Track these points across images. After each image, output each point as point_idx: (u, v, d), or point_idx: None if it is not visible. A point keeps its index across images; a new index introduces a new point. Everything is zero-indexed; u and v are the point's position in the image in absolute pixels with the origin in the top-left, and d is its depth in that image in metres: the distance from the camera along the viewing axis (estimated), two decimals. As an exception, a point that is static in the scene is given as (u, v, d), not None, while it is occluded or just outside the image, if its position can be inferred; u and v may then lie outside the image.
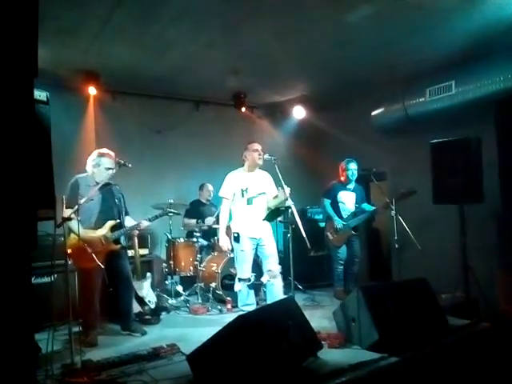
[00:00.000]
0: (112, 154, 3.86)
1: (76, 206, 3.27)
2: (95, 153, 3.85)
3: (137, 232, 4.25)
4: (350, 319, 3.35)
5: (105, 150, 3.86)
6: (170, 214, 4.58)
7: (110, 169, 3.78)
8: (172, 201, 4.89)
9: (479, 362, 3.38)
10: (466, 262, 4.20)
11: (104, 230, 3.72)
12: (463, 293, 4.20)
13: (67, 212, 3.26)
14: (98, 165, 3.78)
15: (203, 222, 5.50)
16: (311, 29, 4.01)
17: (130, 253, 4.44)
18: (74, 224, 3.41)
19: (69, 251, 3.29)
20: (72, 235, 3.54)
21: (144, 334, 3.85)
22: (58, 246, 3.48)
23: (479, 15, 3.80)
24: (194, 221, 5.52)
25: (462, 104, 4.68)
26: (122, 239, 3.91)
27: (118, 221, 3.82)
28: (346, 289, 5.12)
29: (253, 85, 5.71)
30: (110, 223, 3.76)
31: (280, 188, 4.11)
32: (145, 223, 4.00)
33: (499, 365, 3.45)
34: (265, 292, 4.92)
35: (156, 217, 4.14)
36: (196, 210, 5.71)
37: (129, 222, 4.01)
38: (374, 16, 3.76)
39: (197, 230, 5.31)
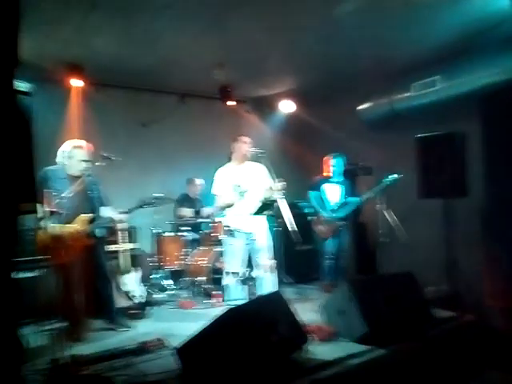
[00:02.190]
0: (87, 145, 3.73)
1: (56, 201, 3.26)
2: (67, 144, 3.72)
3: (119, 226, 4.12)
4: (338, 312, 3.37)
5: (79, 142, 3.74)
6: (145, 207, 4.45)
7: (84, 161, 3.65)
8: (160, 194, 4.82)
9: (464, 354, 3.44)
10: (451, 256, 4.25)
11: (76, 225, 3.60)
12: (448, 286, 4.26)
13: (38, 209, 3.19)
14: (70, 157, 3.66)
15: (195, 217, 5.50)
16: (298, 22, 3.99)
17: (115, 247, 4.37)
18: (44, 220, 3.33)
19: (39, 246, 3.22)
20: (41, 231, 3.43)
21: (128, 327, 3.79)
22: (40, 240, 3.44)
23: (465, 10, 3.82)
24: (190, 210, 5.48)
25: (446, 99, 4.72)
26: (98, 231, 3.78)
27: (91, 215, 3.68)
28: (333, 282, 5.15)
29: (240, 78, 5.67)
30: (82, 217, 3.64)
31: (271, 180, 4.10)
32: (118, 215, 3.91)
33: (483, 356, 3.52)
34: (253, 286, 4.92)
35: (130, 210, 4.07)
36: (184, 202, 5.68)
37: (107, 212, 3.87)
38: (361, 10, 3.74)
39: (185, 223, 5.28)
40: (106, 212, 3.86)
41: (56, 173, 3.61)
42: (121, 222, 4.06)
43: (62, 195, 3.48)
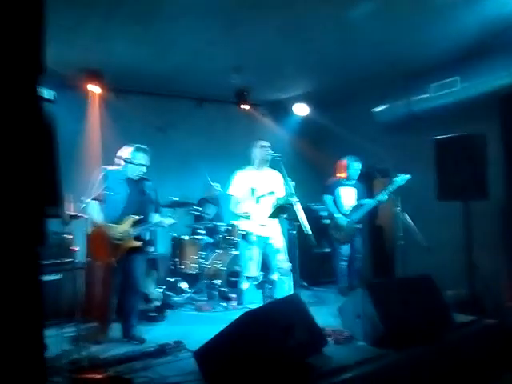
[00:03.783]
0: (147, 149, 3.77)
1: (92, 196, 3.37)
2: (130, 147, 3.75)
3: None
4: (355, 316, 3.35)
5: (139, 146, 3.77)
6: (197, 213, 4.73)
7: (143, 165, 3.71)
8: (175, 199, 4.88)
9: (484, 359, 3.38)
10: (471, 259, 4.19)
11: (126, 226, 3.61)
12: (468, 289, 4.20)
13: (94, 205, 3.42)
14: (132, 159, 3.70)
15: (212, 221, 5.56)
16: (313, 26, 4.00)
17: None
18: (96, 216, 3.46)
19: (88, 243, 3.32)
20: (93, 227, 3.52)
21: (142, 342, 3.58)
22: (65, 244, 3.52)
23: (483, 10, 3.78)
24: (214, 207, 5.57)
25: (466, 100, 4.66)
26: (147, 235, 3.82)
27: (142, 216, 3.68)
28: (349, 285, 5.12)
29: (256, 82, 5.70)
30: (132, 219, 3.64)
31: (285, 184, 4.10)
32: (169, 220, 3.89)
33: (504, 361, 3.46)
34: (269, 289, 4.93)
35: (173, 216, 4.05)
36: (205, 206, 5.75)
37: (157, 218, 3.86)
38: (377, 12, 3.74)
39: (202, 227, 5.33)
40: (155, 218, 3.86)
41: (116, 174, 3.68)
42: (169, 226, 4.03)
43: (118, 195, 3.58)
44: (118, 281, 3.67)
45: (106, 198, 3.52)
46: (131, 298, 3.75)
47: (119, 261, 3.51)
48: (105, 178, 3.61)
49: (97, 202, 3.52)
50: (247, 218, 4.39)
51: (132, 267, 3.69)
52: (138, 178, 3.72)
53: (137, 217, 3.65)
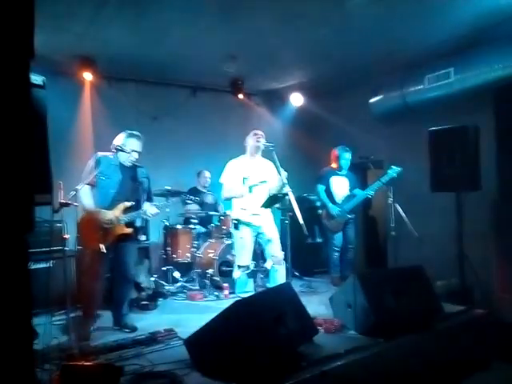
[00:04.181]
0: (140, 136, 3.71)
1: (85, 182, 3.32)
2: (124, 133, 3.70)
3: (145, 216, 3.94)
4: (346, 305, 3.37)
5: (132, 132, 3.71)
6: (190, 202, 4.60)
7: (134, 151, 3.65)
8: (169, 187, 4.87)
9: (473, 348, 3.43)
10: (462, 250, 4.23)
11: (117, 212, 3.53)
12: (458, 280, 4.24)
13: (86, 190, 3.37)
14: (123, 145, 3.63)
15: (202, 209, 5.52)
16: (310, 15, 3.97)
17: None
18: (87, 201, 3.41)
19: (78, 229, 3.27)
20: (83, 212, 3.47)
21: (134, 330, 3.56)
22: (55, 232, 3.49)
23: (479, 2, 3.76)
24: (195, 205, 5.52)
25: (460, 92, 4.66)
26: (138, 222, 3.71)
27: (133, 203, 3.61)
28: (342, 275, 5.16)
29: (251, 71, 5.67)
30: (123, 205, 3.56)
31: (278, 174, 4.10)
32: (153, 209, 3.71)
33: (493, 350, 3.51)
34: (261, 278, 4.96)
35: (165, 205, 3.98)
36: (191, 197, 5.72)
37: (147, 206, 3.73)
38: (373, 2, 3.71)
39: (194, 216, 5.32)
40: (146, 206, 3.74)
41: (109, 160, 3.63)
42: (154, 216, 3.84)
43: (108, 180, 3.52)
44: (108, 268, 3.64)
45: (98, 183, 3.46)
46: (122, 287, 3.70)
47: (109, 247, 3.45)
48: (97, 163, 3.55)
49: (89, 186, 3.46)
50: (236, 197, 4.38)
51: (123, 255, 3.63)
52: (130, 164, 3.67)
53: (128, 203, 3.59)
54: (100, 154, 3.65)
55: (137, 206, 3.67)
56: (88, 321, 3.44)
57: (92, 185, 3.47)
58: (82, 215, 3.49)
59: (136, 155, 3.68)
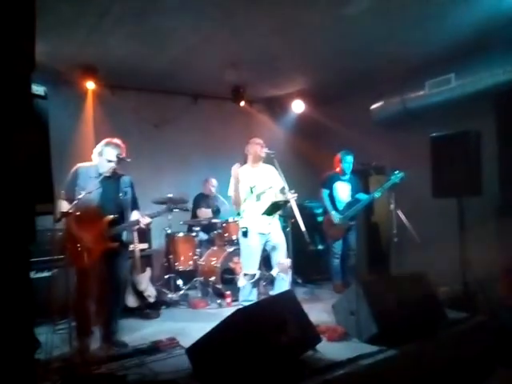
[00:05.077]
0: (120, 144, 3.46)
1: (75, 201, 3.07)
2: (103, 141, 3.48)
3: (137, 227, 3.74)
4: (348, 312, 3.36)
5: (111, 140, 3.46)
6: (176, 211, 4.33)
7: (110, 161, 3.39)
8: (171, 195, 4.86)
9: (477, 355, 3.41)
10: (464, 255, 4.21)
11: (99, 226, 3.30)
12: (461, 286, 4.22)
13: (63, 204, 3.12)
14: (101, 154, 3.40)
15: (215, 215, 5.56)
16: (311, 22, 3.99)
17: (131, 247, 4.17)
18: (68, 219, 3.15)
19: (61, 246, 3.11)
20: (63, 230, 3.28)
21: (126, 347, 3.35)
22: (57, 241, 3.48)
23: (479, 8, 3.78)
24: (208, 210, 5.53)
25: (461, 97, 4.67)
26: (124, 235, 3.50)
27: (116, 216, 3.37)
28: (344, 282, 5.13)
29: (252, 79, 5.69)
30: (106, 219, 3.32)
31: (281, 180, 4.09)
32: (146, 220, 3.50)
33: (496, 357, 3.48)
34: (264, 286, 4.93)
35: (158, 213, 3.75)
36: (202, 202, 5.73)
37: (136, 215, 3.55)
38: (373, 9, 3.73)
39: (203, 221, 5.33)
40: (134, 215, 3.56)
41: (88, 171, 3.39)
42: (148, 225, 3.63)
43: (88, 194, 3.21)
44: (95, 286, 3.36)
45: (78, 198, 3.14)
46: (111, 304, 3.46)
47: (95, 265, 3.23)
48: (76, 175, 3.35)
49: (66, 202, 3.22)
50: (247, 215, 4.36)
51: (111, 271, 3.39)
52: (109, 174, 3.42)
53: (110, 217, 3.35)
54: (80, 165, 3.45)
55: (121, 219, 3.45)
56: (84, 338, 3.27)
57: (69, 200, 3.21)
58: (62, 233, 3.30)
59: (113, 164, 3.42)
